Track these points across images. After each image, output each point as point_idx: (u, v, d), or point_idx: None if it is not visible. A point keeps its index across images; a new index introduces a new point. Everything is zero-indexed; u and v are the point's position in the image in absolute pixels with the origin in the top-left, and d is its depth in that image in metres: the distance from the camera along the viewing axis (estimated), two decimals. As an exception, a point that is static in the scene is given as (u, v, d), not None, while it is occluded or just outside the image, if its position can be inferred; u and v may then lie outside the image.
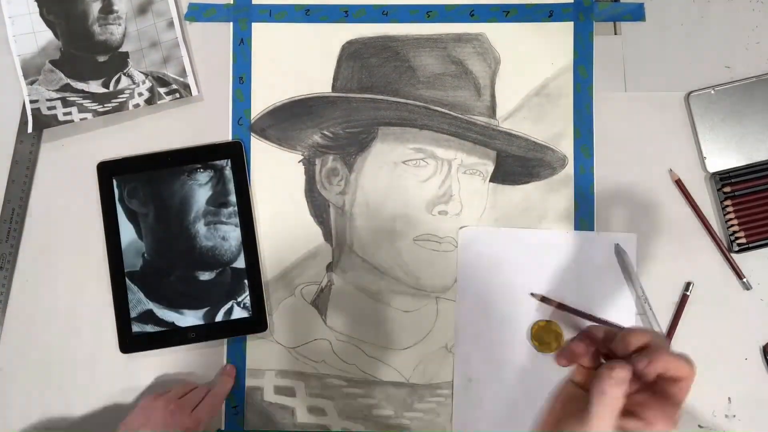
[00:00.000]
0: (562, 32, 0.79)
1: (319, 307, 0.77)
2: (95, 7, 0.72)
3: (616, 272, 0.77)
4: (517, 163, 0.78)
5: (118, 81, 0.75)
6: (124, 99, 0.75)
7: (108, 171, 0.76)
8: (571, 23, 0.79)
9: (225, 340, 0.77)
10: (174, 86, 0.77)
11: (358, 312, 0.77)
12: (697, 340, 0.77)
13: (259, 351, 0.77)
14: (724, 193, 0.78)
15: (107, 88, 0.74)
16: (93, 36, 0.74)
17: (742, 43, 0.80)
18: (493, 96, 0.78)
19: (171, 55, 0.77)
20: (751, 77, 0.79)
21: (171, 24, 0.77)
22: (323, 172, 0.79)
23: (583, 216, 0.78)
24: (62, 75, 0.75)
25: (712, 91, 0.78)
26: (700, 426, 0.76)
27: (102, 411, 0.77)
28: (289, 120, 0.79)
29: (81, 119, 0.75)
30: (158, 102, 0.76)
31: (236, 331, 0.76)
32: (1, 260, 0.78)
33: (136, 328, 0.73)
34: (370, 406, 0.77)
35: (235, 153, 0.77)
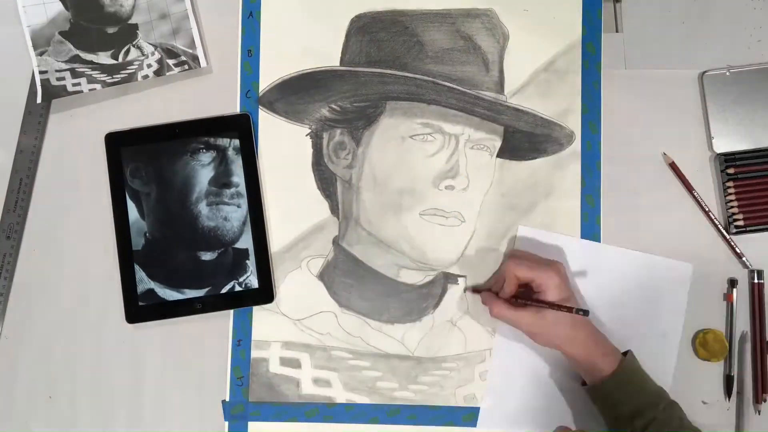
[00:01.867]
0: (571, 8, 0.79)
1: (325, 279, 0.78)
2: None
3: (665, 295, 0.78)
4: (524, 139, 0.78)
5: (127, 52, 0.75)
6: (133, 70, 0.75)
7: (116, 142, 0.76)
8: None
9: (231, 313, 0.77)
10: (183, 58, 0.77)
11: (364, 285, 0.78)
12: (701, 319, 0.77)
13: (264, 323, 0.77)
14: (728, 174, 0.78)
15: (116, 59, 0.74)
16: (103, 7, 0.74)
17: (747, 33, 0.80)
18: (501, 71, 0.79)
19: (180, 27, 0.77)
20: (767, 62, 0.79)
21: (180, -4, 0.77)
22: (331, 146, 0.79)
23: (590, 192, 0.78)
24: (71, 46, 0.75)
25: (727, 72, 0.78)
26: (703, 402, 0.76)
27: (107, 381, 0.78)
28: (297, 93, 0.79)
29: (90, 90, 0.75)
30: (167, 74, 0.77)
31: (242, 303, 0.76)
32: (9, 230, 0.78)
33: (141, 302, 0.74)
34: (374, 378, 0.77)
35: (243, 126, 0.77)
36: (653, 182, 0.79)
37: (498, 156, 0.78)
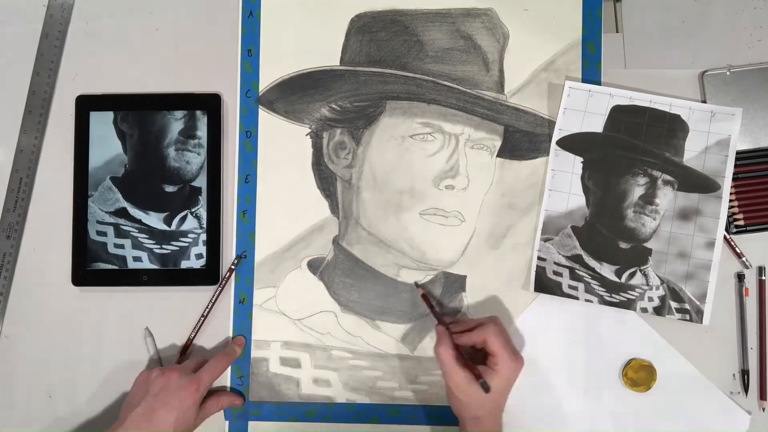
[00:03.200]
0: (571, 8, 0.79)
1: (325, 279, 0.78)
2: None
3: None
4: (524, 138, 0.78)
5: (633, 275, 0.73)
6: (634, 297, 0.75)
7: (85, 106, 0.78)
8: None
9: (231, 313, 0.77)
10: (687, 306, 0.74)
11: (364, 285, 0.78)
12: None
13: (265, 322, 0.77)
14: (728, 174, 0.78)
15: (619, 278, 0.72)
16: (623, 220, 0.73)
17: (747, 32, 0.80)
18: (501, 71, 0.79)
19: (695, 274, 0.75)
20: (767, 62, 0.79)
21: None
22: (331, 146, 0.79)
23: (590, 192, 0.78)
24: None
25: (728, 72, 0.78)
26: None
27: (107, 380, 0.78)
28: (297, 93, 0.79)
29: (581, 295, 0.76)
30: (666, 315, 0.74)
31: (188, 281, 0.77)
32: (9, 229, 0.78)
33: (100, 238, 0.75)
34: (374, 378, 0.77)
35: (212, 105, 0.78)
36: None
37: (498, 155, 0.78)
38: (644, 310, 0.75)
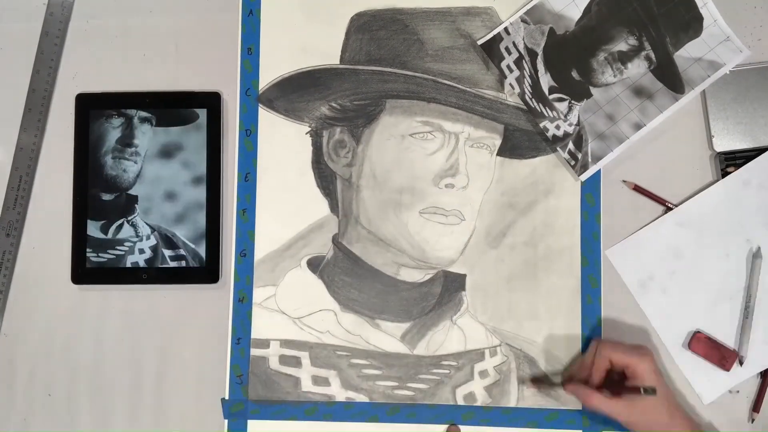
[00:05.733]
0: (571, 7, 0.79)
1: (324, 278, 0.78)
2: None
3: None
4: (524, 137, 0.78)
5: None
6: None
7: (85, 104, 0.78)
8: None
9: (230, 312, 0.77)
10: None
11: (364, 283, 0.78)
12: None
13: (264, 321, 0.77)
14: (728, 173, 0.78)
15: None
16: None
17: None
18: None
19: None
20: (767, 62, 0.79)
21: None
22: (330, 144, 0.79)
23: (590, 191, 0.78)
24: None
25: (728, 71, 0.78)
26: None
27: (107, 379, 0.78)
28: (296, 91, 0.79)
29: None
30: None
31: (187, 280, 0.77)
32: (9, 227, 0.78)
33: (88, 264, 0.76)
34: (374, 376, 0.77)
35: (212, 103, 0.78)
36: (654, 176, 0.79)
37: (498, 154, 0.78)
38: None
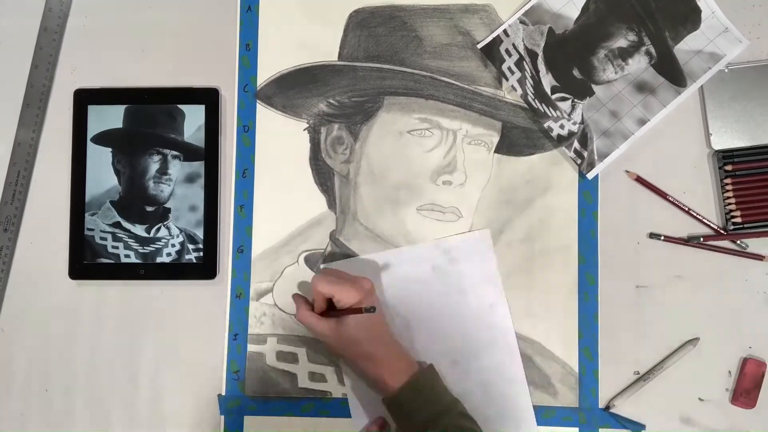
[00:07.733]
0: (570, 5, 0.79)
1: (321, 274, 0.78)
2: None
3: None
4: (522, 135, 0.78)
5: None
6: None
7: (84, 99, 0.79)
8: None
9: (227, 307, 0.77)
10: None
11: (361, 280, 0.78)
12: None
13: (261, 317, 0.77)
14: (725, 171, 0.78)
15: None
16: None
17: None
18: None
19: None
20: (765, 60, 0.79)
21: None
22: (328, 141, 0.79)
23: (587, 188, 0.78)
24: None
25: (726, 69, 0.78)
26: (700, 399, 0.76)
27: (103, 375, 0.78)
28: (294, 88, 0.79)
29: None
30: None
31: (184, 275, 0.78)
32: (6, 222, 0.78)
33: (101, 242, 0.78)
34: (371, 373, 0.77)
35: (210, 99, 0.79)
36: (652, 174, 0.79)
37: (495, 151, 0.78)
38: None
